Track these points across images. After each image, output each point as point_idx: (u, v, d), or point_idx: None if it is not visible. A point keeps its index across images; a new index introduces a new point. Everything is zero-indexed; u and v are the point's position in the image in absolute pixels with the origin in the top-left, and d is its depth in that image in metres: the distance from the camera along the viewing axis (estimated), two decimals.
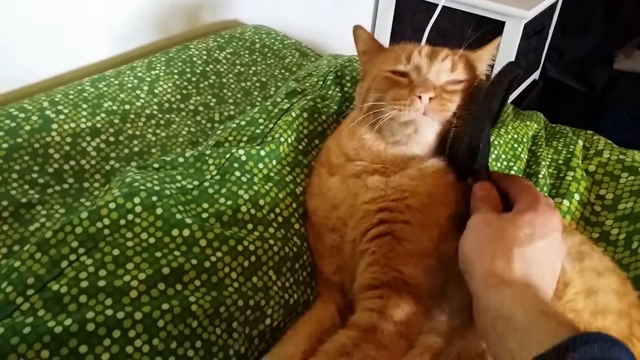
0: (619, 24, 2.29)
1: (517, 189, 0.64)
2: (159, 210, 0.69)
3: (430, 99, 0.68)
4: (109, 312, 0.60)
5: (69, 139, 0.91)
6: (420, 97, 0.67)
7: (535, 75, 2.20)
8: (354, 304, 0.71)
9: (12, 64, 1.03)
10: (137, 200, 0.69)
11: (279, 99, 0.95)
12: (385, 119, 0.70)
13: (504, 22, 1.74)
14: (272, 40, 1.31)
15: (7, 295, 0.60)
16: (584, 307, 0.65)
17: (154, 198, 0.70)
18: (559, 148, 1.11)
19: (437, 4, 1.74)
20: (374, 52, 0.81)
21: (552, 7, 2.01)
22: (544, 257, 0.59)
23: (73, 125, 0.93)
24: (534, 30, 1.90)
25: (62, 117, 0.92)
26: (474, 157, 0.67)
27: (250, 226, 0.75)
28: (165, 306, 0.62)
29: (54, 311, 0.59)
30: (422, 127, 0.70)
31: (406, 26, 1.95)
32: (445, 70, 0.71)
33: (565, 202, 0.97)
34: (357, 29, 0.82)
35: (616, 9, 2.28)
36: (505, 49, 1.77)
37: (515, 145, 1.08)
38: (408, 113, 0.68)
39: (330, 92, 1.01)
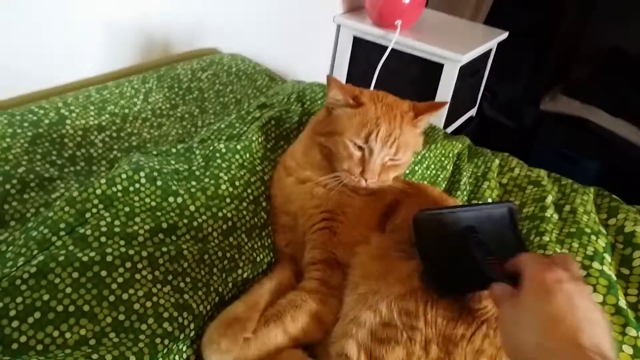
0: (545, 72, 2.60)
1: (520, 268, 0.66)
2: (159, 182, 0.90)
3: None
4: (123, 249, 0.80)
5: (80, 132, 1.10)
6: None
7: (472, 112, 2.46)
8: (303, 272, 0.94)
9: (40, 66, 1.23)
10: (142, 174, 0.89)
11: (251, 109, 1.17)
12: (339, 180, 0.93)
13: (443, 64, 1.99)
14: (246, 66, 1.54)
15: (44, 235, 0.79)
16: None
17: (155, 173, 0.91)
18: (479, 164, 1.38)
19: (387, 46, 2.02)
20: (343, 103, 0.95)
21: (486, 53, 2.27)
22: (579, 314, 0.58)
23: (83, 122, 1.13)
24: (470, 72, 2.14)
25: (74, 115, 1.12)
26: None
27: (228, 200, 0.96)
28: (164, 249, 0.83)
29: (81, 247, 0.79)
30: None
31: (361, 64, 2.19)
32: (390, 154, 0.93)
33: None
34: (329, 78, 0.94)
35: (543, 60, 2.59)
36: (443, 87, 2.02)
37: (443, 159, 1.34)
38: (354, 182, 0.93)
39: (293, 107, 1.24)
